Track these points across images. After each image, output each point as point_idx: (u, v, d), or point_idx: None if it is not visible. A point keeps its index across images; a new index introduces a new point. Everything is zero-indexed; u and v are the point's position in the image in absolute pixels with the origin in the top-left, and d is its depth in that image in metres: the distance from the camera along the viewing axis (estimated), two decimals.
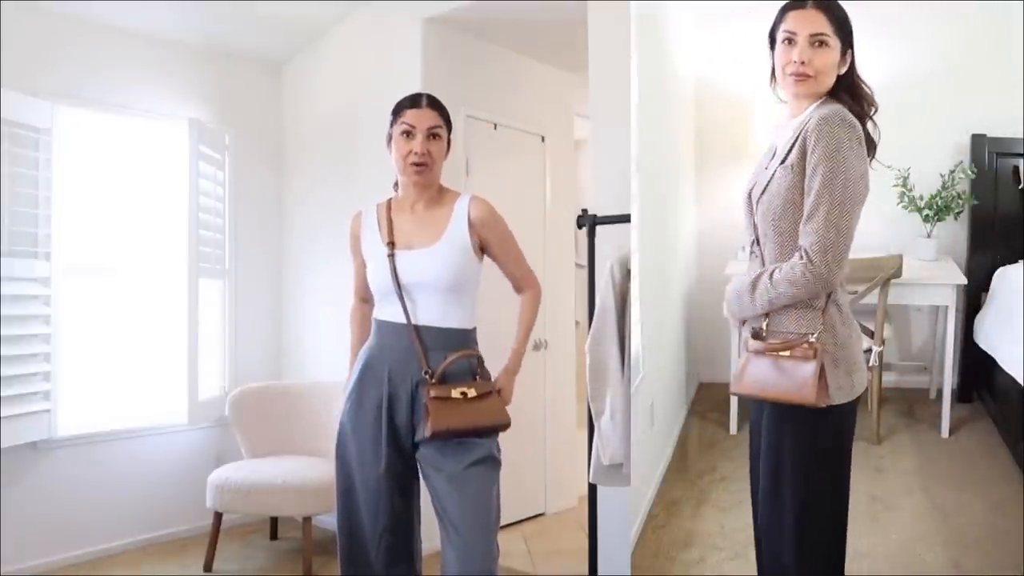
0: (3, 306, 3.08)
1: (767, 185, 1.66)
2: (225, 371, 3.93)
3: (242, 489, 3.25)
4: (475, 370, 1.98)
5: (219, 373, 3.89)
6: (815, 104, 1.67)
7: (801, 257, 1.56)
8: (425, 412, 1.89)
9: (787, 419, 1.66)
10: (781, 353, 1.61)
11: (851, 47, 1.69)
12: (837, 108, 1.62)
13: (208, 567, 3.33)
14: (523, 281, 2.14)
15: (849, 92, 1.69)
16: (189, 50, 3.87)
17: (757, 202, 1.68)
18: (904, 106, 3.68)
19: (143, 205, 3.76)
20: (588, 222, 2.52)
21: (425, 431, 1.88)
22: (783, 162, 1.63)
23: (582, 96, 3.47)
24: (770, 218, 1.65)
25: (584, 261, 2.64)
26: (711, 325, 3.72)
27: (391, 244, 2.00)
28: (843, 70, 1.68)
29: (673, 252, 3.36)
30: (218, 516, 3.33)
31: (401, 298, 1.95)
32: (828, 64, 1.65)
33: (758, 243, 1.71)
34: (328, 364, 3.98)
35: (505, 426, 1.95)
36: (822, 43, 1.64)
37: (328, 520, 3.77)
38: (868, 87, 1.72)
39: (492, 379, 2.01)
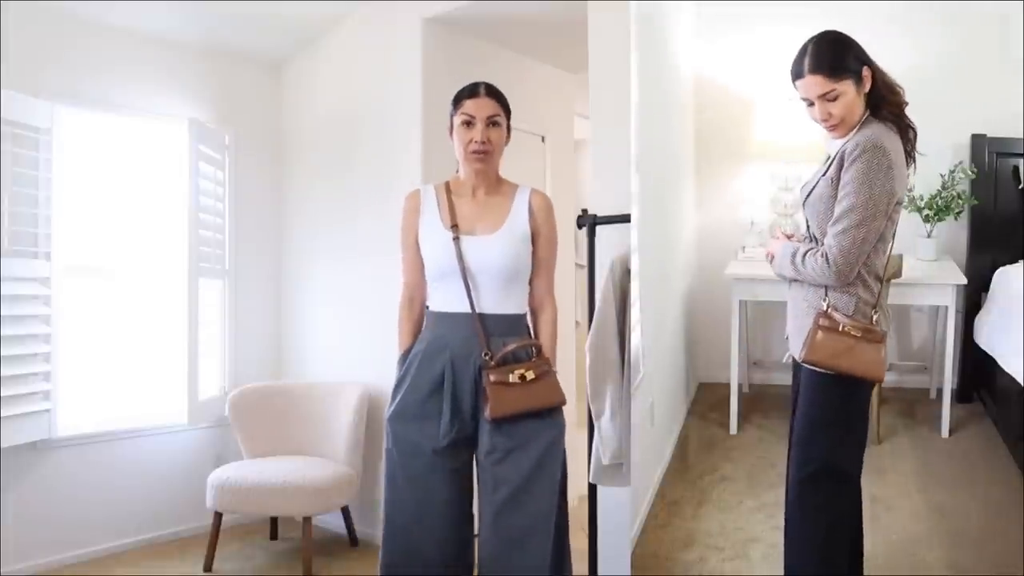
0: (3, 306, 3.08)
1: (812, 188, 1.96)
2: (225, 371, 3.93)
3: (242, 489, 3.25)
4: (531, 353, 2.02)
5: (219, 373, 3.89)
6: (857, 126, 1.89)
7: (824, 256, 1.86)
8: (485, 397, 1.95)
9: (832, 383, 1.91)
10: (853, 333, 1.87)
11: (859, 71, 1.88)
12: (873, 133, 1.84)
13: (208, 567, 3.33)
14: (545, 295, 2.13)
15: (883, 104, 1.89)
16: (189, 50, 3.87)
17: (804, 201, 2.00)
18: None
19: (143, 205, 3.76)
20: (588, 222, 2.52)
21: (486, 415, 1.95)
22: (824, 174, 1.92)
23: (582, 96, 3.47)
24: (813, 215, 1.96)
25: (584, 261, 2.63)
26: (711, 325, 3.72)
27: (455, 227, 2.02)
28: (867, 88, 1.88)
29: (673, 252, 3.36)
30: (218, 516, 3.33)
31: (466, 282, 1.98)
32: (847, 108, 1.87)
33: (808, 228, 2.03)
34: (328, 364, 3.98)
35: (561, 403, 2.02)
36: (836, 97, 1.87)
37: (328, 520, 3.77)
38: (896, 86, 1.92)
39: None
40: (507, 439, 1.97)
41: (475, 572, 2.08)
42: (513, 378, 1.95)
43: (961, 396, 3.55)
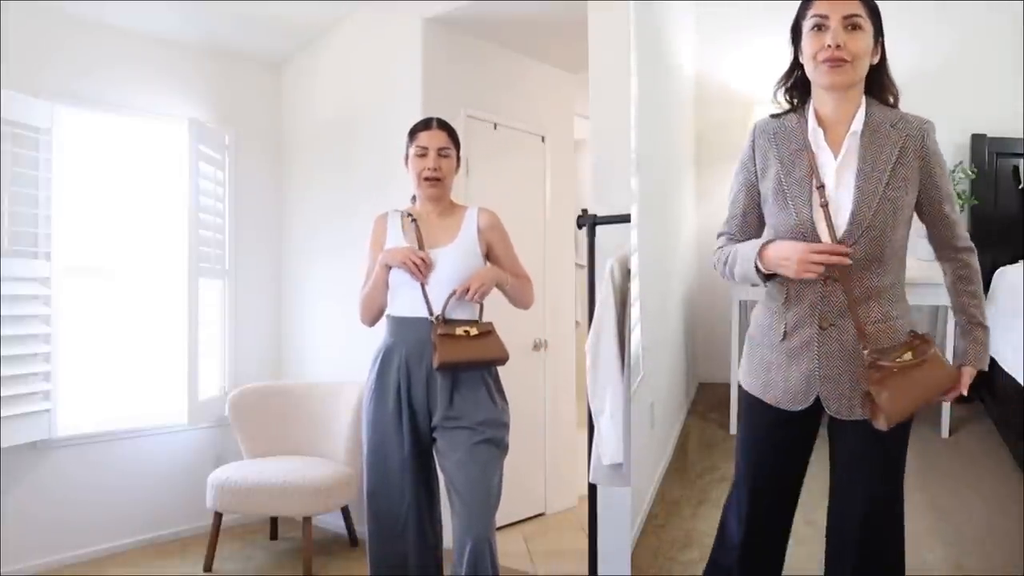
0: (3, 306, 3.08)
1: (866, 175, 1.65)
2: (225, 371, 3.93)
3: (242, 489, 3.25)
4: (476, 315, 2.26)
5: (219, 373, 3.89)
6: (862, 104, 1.63)
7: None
8: (432, 348, 2.16)
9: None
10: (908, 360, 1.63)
11: (882, 34, 1.64)
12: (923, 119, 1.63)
13: (208, 567, 3.33)
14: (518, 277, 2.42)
15: (884, 86, 1.68)
16: (189, 50, 3.87)
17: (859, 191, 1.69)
18: (904, 106, 3.69)
19: (143, 205, 3.76)
20: (588, 222, 2.52)
21: (433, 363, 2.15)
22: (896, 158, 1.62)
23: (582, 96, 3.47)
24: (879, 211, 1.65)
25: (584, 261, 2.63)
26: (711, 325, 3.71)
27: (420, 244, 2.26)
28: (875, 60, 1.63)
29: (673, 252, 3.36)
30: (218, 516, 3.34)
31: (423, 288, 2.22)
32: (864, 49, 1.59)
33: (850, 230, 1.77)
34: (328, 364, 3.98)
35: (503, 360, 2.23)
36: (856, 26, 1.57)
37: (328, 520, 3.77)
38: (894, 81, 1.70)
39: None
40: (455, 440, 2.18)
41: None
42: (459, 331, 2.17)
43: (961, 396, 3.54)
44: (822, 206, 1.62)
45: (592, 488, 2.48)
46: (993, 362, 3.09)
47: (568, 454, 4.18)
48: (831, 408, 1.69)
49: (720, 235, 1.85)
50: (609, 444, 2.27)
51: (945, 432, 3.26)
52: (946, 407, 3.24)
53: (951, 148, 3.58)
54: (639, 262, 2.47)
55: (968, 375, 1.75)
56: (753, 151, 1.75)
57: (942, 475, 3.00)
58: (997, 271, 3.38)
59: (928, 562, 2.46)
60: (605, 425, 2.28)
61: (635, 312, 2.42)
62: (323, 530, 3.78)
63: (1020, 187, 3.49)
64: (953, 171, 3.40)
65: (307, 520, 3.26)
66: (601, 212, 2.53)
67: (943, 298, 3.21)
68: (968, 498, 2.84)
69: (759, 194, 1.75)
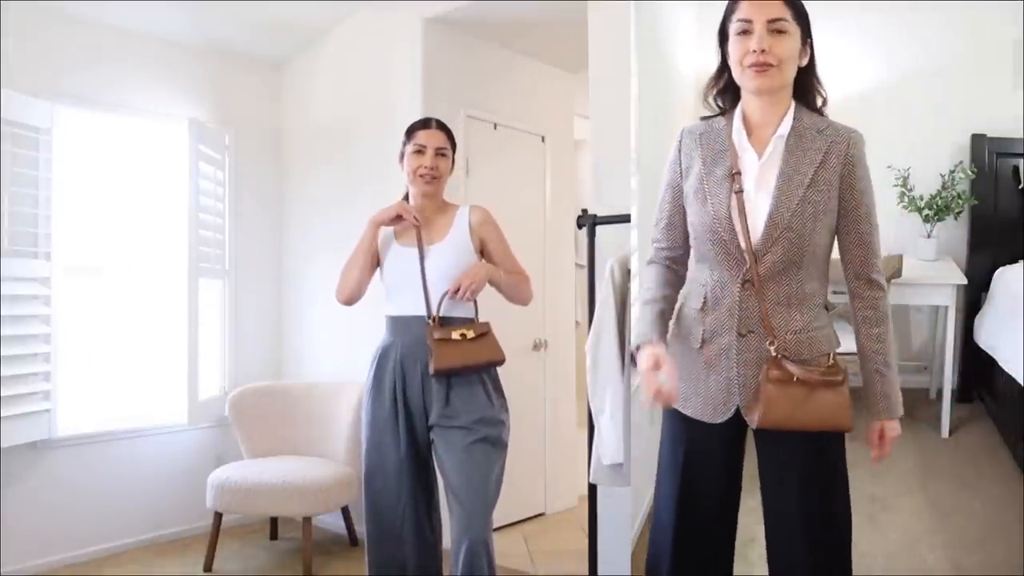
0: (3, 306, 3.07)
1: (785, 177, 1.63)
2: (225, 371, 3.93)
3: (242, 489, 3.25)
4: (473, 317, 2.27)
5: (219, 373, 3.89)
6: (790, 108, 1.60)
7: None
8: (429, 353, 2.16)
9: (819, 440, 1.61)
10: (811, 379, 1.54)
11: (810, 36, 1.60)
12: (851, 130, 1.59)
13: (208, 567, 3.33)
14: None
15: (812, 88, 1.63)
16: (189, 50, 3.87)
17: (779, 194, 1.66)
18: (904, 106, 3.69)
19: (143, 205, 3.76)
20: (588, 222, 2.52)
21: (429, 369, 2.15)
22: (819, 163, 1.58)
23: (582, 96, 3.47)
24: (796, 214, 1.62)
25: (584, 261, 2.63)
26: None
27: (419, 240, 2.27)
28: (803, 62, 1.60)
29: None
30: (218, 516, 3.34)
31: (425, 287, 2.22)
32: (789, 52, 1.55)
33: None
34: (328, 364, 3.98)
35: (499, 362, 2.24)
36: (781, 30, 1.54)
37: (328, 520, 3.77)
38: (822, 83, 1.64)
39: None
40: (452, 439, 2.18)
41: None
42: (455, 335, 2.17)
43: (961, 396, 3.55)
44: (739, 207, 1.59)
45: (592, 488, 2.48)
46: (993, 362, 3.09)
47: (568, 454, 4.18)
48: (751, 419, 1.60)
49: (653, 241, 1.81)
50: (609, 444, 2.27)
51: (945, 432, 3.26)
52: (946, 407, 3.24)
53: (951, 148, 3.58)
54: (639, 262, 2.47)
55: (891, 431, 1.65)
56: (679, 152, 1.74)
57: (942, 475, 3.00)
58: (997, 271, 3.39)
59: (928, 562, 2.46)
60: (605, 425, 2.28)
61: (635, 312, 2.42)
62: (323, 530, 3.78)
63: (1020, 187, 3.49)
64: (953, 171, 3.40)
65: (307, 520, 3.26)
66: (601, 212, 2.53)
67: (944, 298, 3.23)
68: (968, 498, 2.84)
69: (682, 194, 1.72)
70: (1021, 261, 3.29)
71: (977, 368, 3.44)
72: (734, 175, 1.61)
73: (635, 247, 2.45)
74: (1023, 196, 3.49)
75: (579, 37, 2.81)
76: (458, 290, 2.19)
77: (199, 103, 3.90)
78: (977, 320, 3.40)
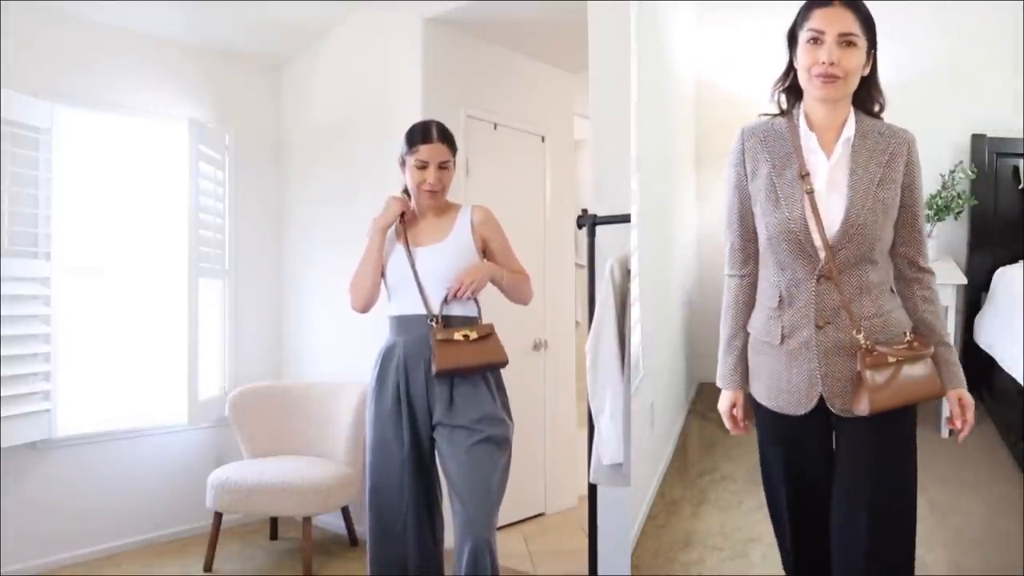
0: (3, 306, 3.08)
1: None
2: (225, 371, 3.93)
3: (242, 489, 3.25)
4: (475, 317, 2.27)
5: (219, 373, 3.89)
6: (851, 112, 1.69)
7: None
8: (432, 353, 2.15)
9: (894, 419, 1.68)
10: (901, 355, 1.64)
11: (875, 47, 1.68)
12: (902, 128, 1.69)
13: (208, 567, 3.33)
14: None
15: (872, 96, 1.71)
16: (189, 50, 3.87)
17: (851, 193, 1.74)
18: (904, 106, 3.66)
19: (143, 205, 3.77)
20: (588, 222, 2.52)
21: (432, 369, 2.15)
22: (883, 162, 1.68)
23: (582, 96, 3.47)
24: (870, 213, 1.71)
25: (584, 261, 2.63)
26: (711, 325, 3.70)
27: (406, 242, 2.29)
28: (866, 72, 1.68)
29: (673, 252, 3.36)
30: (218, 516, 3.34)
31: (419, 287, 2.23)
32: (856, 65, 1.63)
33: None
34: (328, 364, 3.98)
35: (502, 363, 2.23)
36: (850, 43, 1.61)
37: (328, 520, 3.77)
38: (882, 92, 1.73)
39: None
40: (455, 440, 2.18)
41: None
42: (458, 336, 2.16)
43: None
44: (812, 207, 1.66)
45: (592, 488, 2.48)
46: (993, 362, 3.09)
47: (568, 454, 4.18)
48: (835, 406, 1.69)
49: (729, 245, 1.86)
50: (609, 444, 2.27)
51: (945, 432, 3.26)
52: (946, 407, 3.23)
53: (951, 148, 3.57)
54: (639, 262, 2.47)
55: (969, 401, 1.75)
56: (743, 154, 1.78)
57: (942, 475, 3.00)
58: (997, 271, 3.38)
59: (928, 563, 2.46)
60: (605, 425, 2.28)
61: (635, 312, 2.42)
62: (323, 530, 3.78)
63: (1020, 187, 3.49)
64: (953, 171, 3.40)
65: (307, 520, 3.26)
66: (601, 212, 2.53)
67: (944, 298, 3.22)
68: (968, 498, 2.84)
69: (749, 196, 1.77)
70: (1021, 261, 3.28)
71: (977, 368, 3.43)
72: (803, 176, 1.68)
73: (635, 247, 2.45)
74: (1023, 196, 3.48)
75: (579, 37, 2.81)
76: (459, 289, 2.19)
77: (199, 103, 3.90)
78: (977, 320, 3.40)
